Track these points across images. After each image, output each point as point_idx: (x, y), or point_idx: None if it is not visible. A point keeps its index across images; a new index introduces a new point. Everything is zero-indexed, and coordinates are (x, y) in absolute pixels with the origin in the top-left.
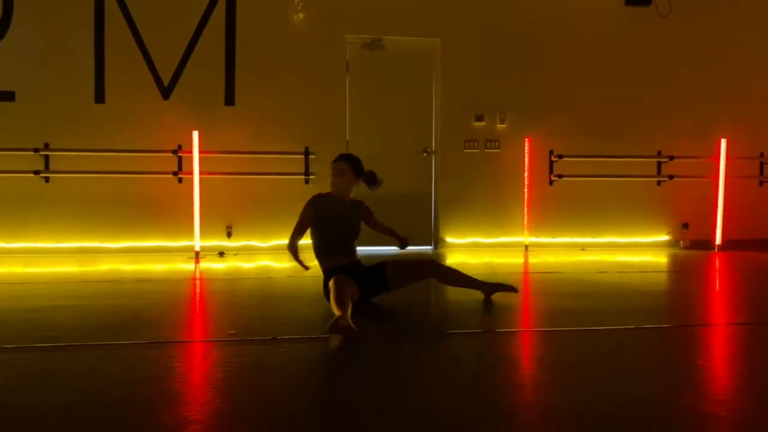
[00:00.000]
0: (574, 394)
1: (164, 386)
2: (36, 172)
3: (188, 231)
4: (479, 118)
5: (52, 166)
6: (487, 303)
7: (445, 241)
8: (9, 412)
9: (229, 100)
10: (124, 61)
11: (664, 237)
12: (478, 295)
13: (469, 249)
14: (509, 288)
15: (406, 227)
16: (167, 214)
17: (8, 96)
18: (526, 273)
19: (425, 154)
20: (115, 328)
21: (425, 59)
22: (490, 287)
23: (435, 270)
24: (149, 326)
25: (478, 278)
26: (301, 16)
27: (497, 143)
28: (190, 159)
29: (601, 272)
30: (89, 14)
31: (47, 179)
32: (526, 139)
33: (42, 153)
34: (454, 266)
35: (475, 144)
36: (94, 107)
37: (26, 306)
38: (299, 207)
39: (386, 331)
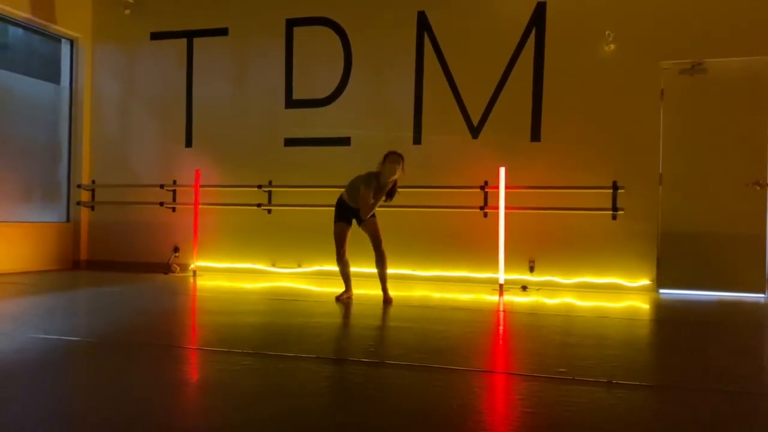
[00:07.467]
0: None
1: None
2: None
3: (492, 263)
4: None
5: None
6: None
7: None
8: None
9: (535, 136)
10: (440, 106)
11: None
12: None
13: None
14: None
15: (731, 270)
16: (472, 246)
17: (345, 141)
18: None
19: (758, 188)
20: (447, 352)
21: (757, 79)
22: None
23: (377, 253)
24: (476, 354)
25: None
26: (612, 47)
27: None
28: (496, 194)
29: None
30: (411, 67)
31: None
32: None
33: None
34: None
35: None
36: (413, 148)
37: (365, 324)
38: (608, 244)
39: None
